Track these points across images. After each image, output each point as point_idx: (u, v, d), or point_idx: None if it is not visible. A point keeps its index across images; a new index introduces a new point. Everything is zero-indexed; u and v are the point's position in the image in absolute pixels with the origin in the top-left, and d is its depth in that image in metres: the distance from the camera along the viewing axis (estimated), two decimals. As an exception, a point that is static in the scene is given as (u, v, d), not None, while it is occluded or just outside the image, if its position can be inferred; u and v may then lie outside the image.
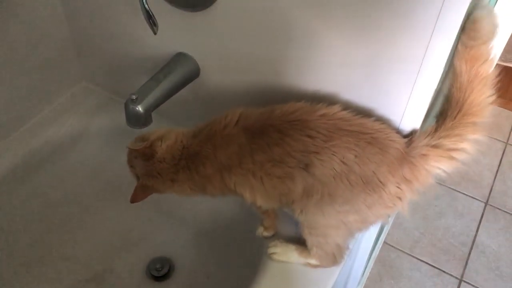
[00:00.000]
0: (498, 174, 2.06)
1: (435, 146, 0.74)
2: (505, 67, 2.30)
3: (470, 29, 0.67)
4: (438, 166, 0.75)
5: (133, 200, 0.88)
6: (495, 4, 1.29)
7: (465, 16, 0.64)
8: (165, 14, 0.89)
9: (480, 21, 0.66)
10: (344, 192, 0.75)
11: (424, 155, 0.75)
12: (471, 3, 0.62)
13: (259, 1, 0.78)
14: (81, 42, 1.14)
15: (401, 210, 0.78)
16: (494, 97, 0.72)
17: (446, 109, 0.74)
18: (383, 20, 0.69)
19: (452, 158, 0.74)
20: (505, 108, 2.32)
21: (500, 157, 2.13)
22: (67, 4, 1.07)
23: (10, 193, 1.09)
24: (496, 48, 0.77)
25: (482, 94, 0.71)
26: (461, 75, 0.71)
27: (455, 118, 0.73)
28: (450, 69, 0.73)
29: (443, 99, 0.76)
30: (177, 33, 0.94)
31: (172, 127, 0.89)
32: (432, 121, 0.78)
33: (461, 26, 0.65)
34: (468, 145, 0.73)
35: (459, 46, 0.70)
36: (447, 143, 0.73)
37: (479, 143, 0.73)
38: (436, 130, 0.74)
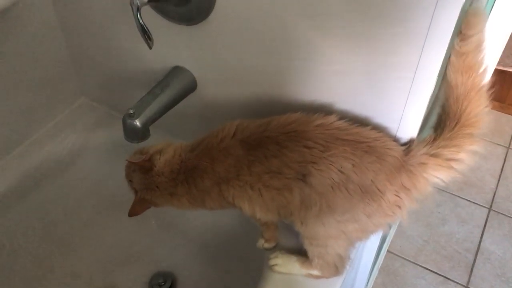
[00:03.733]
0: (500, 179, 2.05)
1: (434, 155, 0.74)
2: (504, 72, 2.30)
3: (462, 28, 0.68)
4: (437, 175, 0.75)
5: (131, 214, 0.88)
6: (491, 9, 1.29)
7: (456, 23, 0.64)
8: (161, 28, 0.90)
9: (470, 17, 0.67)
10: (343, 201, 0.74)
11: (423, 163, 0.75)
12: (462, 10, 0.63)
13: (255, 13, 0.79)
14: (78, 58, 1.15)
15: (401, 218, 0.78)
16: (489, 108, 0.73)
17: (444, 120, 0.75)
18: (377, 28, 0.69)
19: (450, 167, 0.74)
20: (506, 113, 2.32)
21: (502, 162, 2.13)
22: (64, 21, 1.08)
23: (10, 210, 1.09)
24: (495, 53, 0.77)
25: (479, 105, 0.72)
26: (457, 87, 0.72)
27: (453, 128, 0.73)
28: (445, 81, 0.73)
29: (440, 110, 0.76)
30: (173, 47, 0.94)
31: (170, 140, 0.89)
32: (428, 132, 0.78)
33: (453, 32, 0.65)
34: (466, 156, 0.74)
35: (453, 57, 0.70)
36: (446, 152, 0.74)
37: (479, 151, 0.74)
38: (434, 139, 0.75)
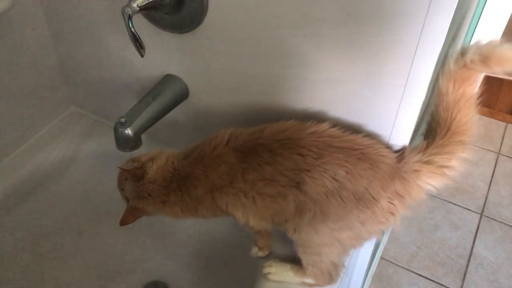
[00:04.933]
0: (491, 185, 2.07)
1: (427, 163, 0.75)
2: (494, 78, 2.32)
3: (492, 55, 0.66)
4: (430, 182, 0.76)
5: (122, 223, 0.87)
6: (480, 16, 1.30)
7: (449, 30, 0.64)
8: (152, 37, 0.90)
9: (506, 55, 0.66)
10: (336, 209, 0.74)
11: (416, 170, 0.75)
12: (453, 18, 0.63)
13: (247, 21, 0.79)
14: (68, 66, 1.15)
15: (394, 225, 0.78)
16: (477, 117, 0.74)
17: (435, 128, 0.76)
18: (369, 36, 0.70)
19: (443, 174, 0.75)
20: (495, 119, 2.34)
21: (493, 168, 2.14)
22: (54, 29, 1.07)
23: (1, 220, 1.08)
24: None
25: (468, 114, 0.73)
26: (447, 95, 0.72)
27: (444, 136, 0.74)
28: (436, 88, 0.74)
29: (430, 118, 0.77)
30: (165, 55, 0.94)
31: (162, 149, 0.88)
32: (419, 140, 0.79)
33: (445, 39, 0.65)
34: (457, 163, 0.75)
35: (453, 65, 0.70)
36: (439, 159, 0.75)
37: (470, 158, 0.75)
38: (427, 147, 0.76)
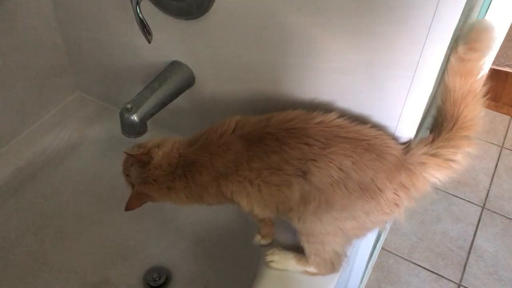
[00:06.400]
0: (494, 178, 2.07)
1: (433, 155, 0.75)
2: (499, 71, 2.31)
3: (472, 39, 0.68)
4: (435, 175, 0.76)
5: (127, 208, 0.88)
6: (488, 7, 1.29)
7: (459, 22, 0.64)
8: (160, 23, 0.89)
9: (482, 31, 0.67)
10: (341, 199, 0.74)
11: (423, 163, 0.75)
12: (464, 9, 0.63)
13: (255, 8, 0.78)
14: (74, 52, 1.14)
15: (398, 216, 0.78)
16: (483, 113, 0.74)
17: (441, 121, 0.75)
18: (377, 26, 0.69)
19: (448, 167, 0.75)
20: (499, 112, 2.33)
21: (496, 161, 2.14)
22: (60, 14, 1.07)
23: (4, 204, 1.08)
24: (490, 53, 0.77)
25: (475, 110, 0.73)
26: (454, 90, 0.72)
27: (451, 130, 0.74)
28: (442, 84, 0.74)
29: (436, 112, 0.77)
30: (172, 42, 0.94)
31: (168, 136, 0.88)
32: (424, 133, 0.79)
33: (454, 32, 0.65)
34: (462, 157, 0.75)
35: (454, 61, 0.70)
36: (445, 153, 0.75)
37: (474, 151, 0.75)
38: (433, 140, 0.76)
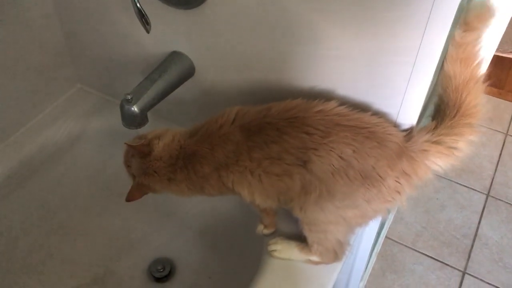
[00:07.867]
0: (498, 165, 2.06)
1: (436, 143, 0.75)
2: (503, 58, 2.29)
3: (469, 18, 0.67)
4: (437, 162, 0.75)
5: (128, 199, 0.88)
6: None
7: (459, 6, 0.63)
8: (158, 13, 0.89)
9: (478, 8, 0.67)
10: (343, 187, 0.74)
11: (425, 150, 0.75)
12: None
13: (253, -3, 0.78)
14: (74, 44, 1.14)
15: (400, 204, 0.78)
16: (485, 98, 0.74)
17: (444, 109, 0.75)
18: (377, 12, 0.68)
19: (451, 155, 0.75)
20: (504, 99, 2.32)
21: (500, 148, 2.13)
22: (60, 6, 1.06)
23: (8, 198, 1.08)
24: (494, 39, 0.77)
25: (477, 97, 0.73)
26: (455, 77, 0.72)
27: (453, 117, 0.74)
28: (442, 72, 0.73)
29: (437, 100, 0.77)
30: (171, 32, 0.93)
31: (168, 127, 0.88)
32: (426, 121, 0.78)
33: (455, 17, 0.64)
34: (465, 145, 0.75)
35: (451, 48, 0.70)
36: (448, 140, 0.74)
37: (477, 140, 0.75)
38: (435, 127, 0.75)
